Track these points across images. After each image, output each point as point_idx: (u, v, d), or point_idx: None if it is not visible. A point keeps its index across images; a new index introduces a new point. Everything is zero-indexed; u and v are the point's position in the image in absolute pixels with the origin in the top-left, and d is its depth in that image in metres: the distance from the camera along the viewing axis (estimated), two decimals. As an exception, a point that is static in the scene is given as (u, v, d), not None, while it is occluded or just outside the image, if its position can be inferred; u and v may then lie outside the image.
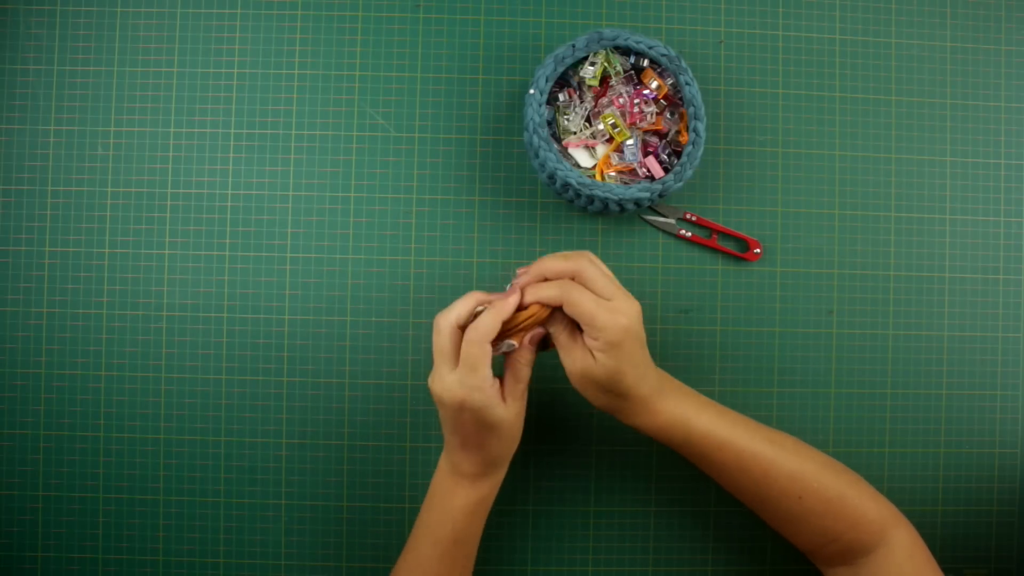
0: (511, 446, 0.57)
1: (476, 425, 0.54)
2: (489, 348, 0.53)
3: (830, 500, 0.55)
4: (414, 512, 0.66)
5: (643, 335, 0.55)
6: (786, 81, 0.69)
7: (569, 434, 0.67)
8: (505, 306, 0.53)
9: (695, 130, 0.62)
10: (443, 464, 0.58)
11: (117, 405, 0.66)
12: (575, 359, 0.54)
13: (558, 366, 0.66)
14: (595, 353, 0.53)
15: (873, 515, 0.55)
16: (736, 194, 0.68)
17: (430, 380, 0.55)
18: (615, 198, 0.62)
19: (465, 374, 0.52)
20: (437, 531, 0.57)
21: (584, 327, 0.53)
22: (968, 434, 0.68)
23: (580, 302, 0.52)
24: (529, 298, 0.54)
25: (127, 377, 0.66)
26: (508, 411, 0.54)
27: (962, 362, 0.69)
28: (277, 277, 0.66)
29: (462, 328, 0.53)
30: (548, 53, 0.66)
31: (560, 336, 0.55)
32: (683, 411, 0.56)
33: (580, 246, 0.67)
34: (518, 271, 0.56)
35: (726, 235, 0.68)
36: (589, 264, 0.54)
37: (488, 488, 0.57)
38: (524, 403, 0.56)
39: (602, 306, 0.52)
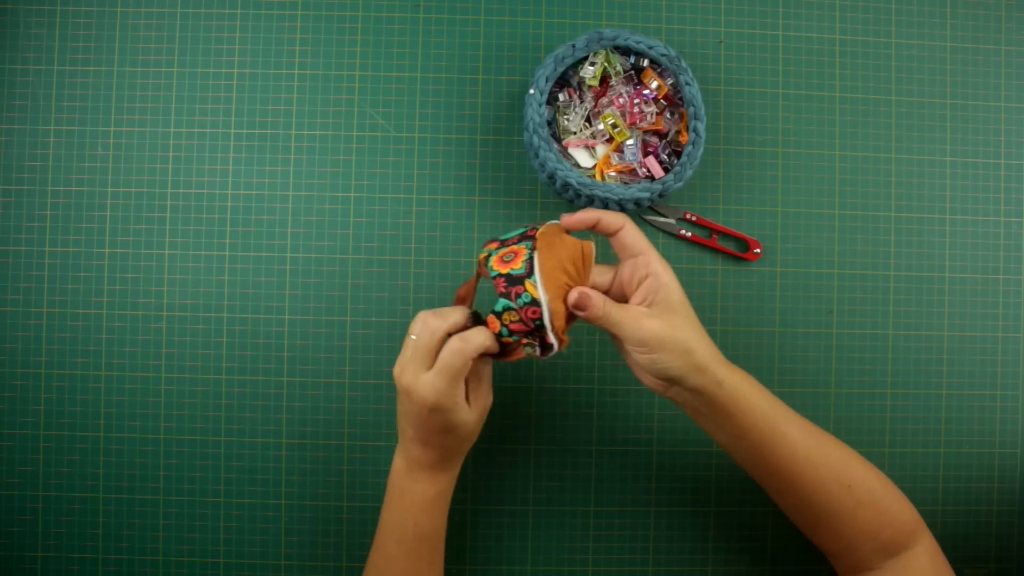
0: (470, 442, 0.57)
1: (440, 425, 0.54)
2: (471, 364, 0.52)
3: (873, 492, 0.55)
4: (414, 512, 0.66)
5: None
6: (786, 81, 0.69)
7: (569, 434, 0.67)
8: (493, 346, 0.53)
9: (695, 130, 0.62)
10: (399, 462, 0.57)
11: (117, 405, 0.66)
12: (639, 322, 0.52)
13: (559, 367, 0.66)
14: (656, 299, 0.52)
15: (908, 514, 0.55)
16: (736, 194, 0.68)
17: (398, 371, 0.53)
18: (615, 198, 0.62)
19: (443, 382, 0.51)
20: (399, 530, 0.57)
21: (631, 271, 0.53)
22: (968, 434, 0.68)
23: (641, 238, 0.53)
24: (590, 216, 0.54)
25: (127, 377, 0.66)
26: (472, 414, 0.54)
27: (962, 362, 0.69)
28: (277, 277, 0.66)
29: (449, 335, 0.53)
30: (548, 53, 0.66)
31: (611, 313, 0.52)
32: (752, 382, 0.55)
33: (580, 246, 0.67)
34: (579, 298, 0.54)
35: (726, 235, 0.68)
36: (633, 226, 0.54)
37: (445, 482, 0.57)
38: (488, 401, 0.56)
39: (651, 245, 0.54)
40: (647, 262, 0.53)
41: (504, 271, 0.52)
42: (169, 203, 0.66)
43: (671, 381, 0.53)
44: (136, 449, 0.65)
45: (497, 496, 0.67)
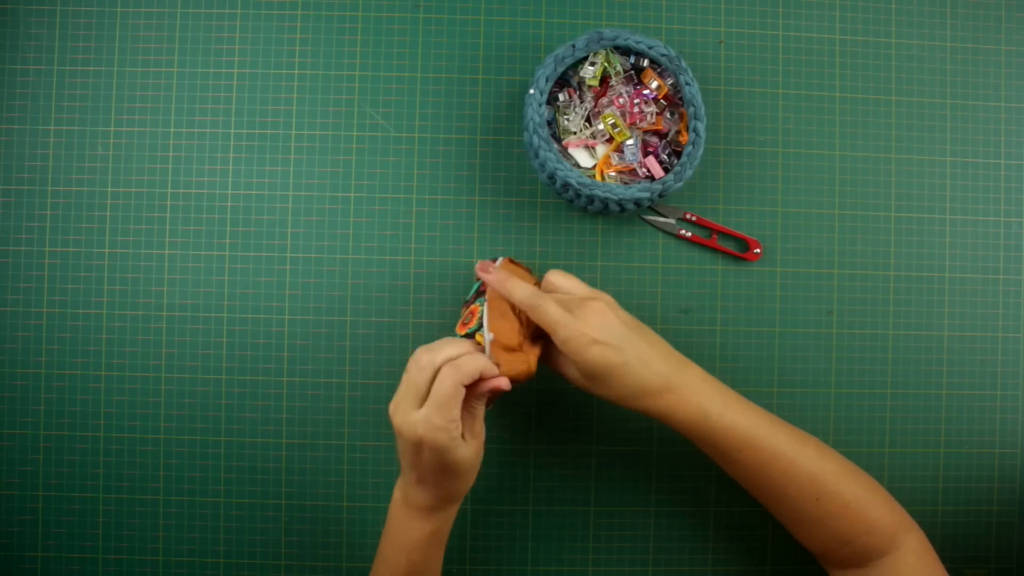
0: (468, 483, 0.55)
1: (435, 464, 0.52)
2: (463, 391, 0.51)
3: (847, 503, 0.55)
4: (414, 512, 0.66)
5: (622, 330, 0.54)
6: (786, 81, 0.69)
7: (569, 434, 0.67)
8: (491, 367, 0.53)
9: (695, 130, 0.62)
10: (398, 494, 0.56)
11: (117, 405, 0.66)
12: (567, 370, 0.57)
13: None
14: (575, 361, 0.54)
15: (887, 520, 0.55)
16: (736, 194, 0.68)
17: (392, 409, 0.53)
18: (615, 198, 0.62)
19: (433, 412, 0.50)
20: (392, 565, 0.56)
21: (551, 337, 0.54)
22: (968, 434, 0.68)
23: (547, 312, 0.53)
24: (501, 291, 0.55)
25: (127, 377, 0.66)
26: (468, 450, 0.53)
27: (962, 362, 0.69)
28: (277, 277, 0.66)
29: None
30: (548, 53, 0.66)
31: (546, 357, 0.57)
32: (705, 406, 0.55)
33: (580, 246, 0.67)
34: (479, 264, 0.57)
35: (726, 235, 0.68)
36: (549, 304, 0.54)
37: (442, 521, 0.56)
38: (483, 439, 0.55)
39: (566, 317, 0.53)
40: (559, 341, 0.53)
41: (462, 333, 0.57)
42: (169, 203, 0.66)
43: None
44: (136, 449, 0.65)
45: (497, 496, 0.67)
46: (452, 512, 0.57)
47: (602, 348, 0.53)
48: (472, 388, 0.53)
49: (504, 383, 0.53)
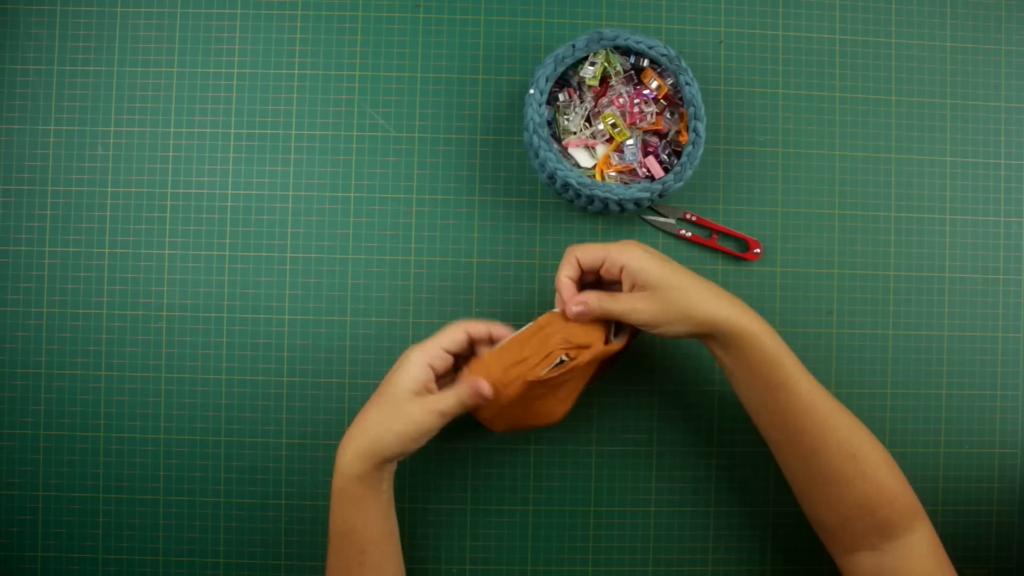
0: (372, 427, 0.56)
1: (386, 382, 0.57)
2: (461, 332, 0.57)
3: (879, 466, 0.55)
4: (414, 512, 0.66)
5: (666, 258, 0.57)
6: (786, 81, 0.69)
7: (569, 434, 0.67)
8: (500, 330, 0.58)
9: (695, 130, 0.62)
10: None
11: (117, 405, 0.66)
12: (634, 308, 0.56)
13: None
14: (637, 284, 0.55)
15: (909, 497, 0.55)
16: (736, 194, 0.68)
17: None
18: (615, 198, 0.62)
19: (431, 338, 0.57)
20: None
21: (606, 271, 0.57)
22: (968, 434, 0.68)
23: (588, 249, 0.57)
24: (571, 292, 0.57)
25: (127, 377, 0.66)
26: (414, 403, 0.55)
27: (962, 362, 0.69)
28: (277, 277, 0.66)
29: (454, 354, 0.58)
30: (548, 53, 0.66)
31: (609, 310, 0.57)
32: (768, 331, 0.56)
33: (580, 246, 0.67)
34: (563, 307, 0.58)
35: (726, 235, 0.68)
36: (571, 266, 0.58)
37: (345, 479, 0.56)
38: (435, 404, 0.55)
39: (607, 244, 0.57)
40: (611, 262, 0.56)
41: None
42: (169, 203, 0.66)
43: (688, 337, 0.57)
44: (136, 449, 0.65)
45: (497, 496, 0.67)
46: (344, 465, 0.56)
47: (658, 262, 0.56)
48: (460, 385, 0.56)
49: (483, 386, 0.55)
